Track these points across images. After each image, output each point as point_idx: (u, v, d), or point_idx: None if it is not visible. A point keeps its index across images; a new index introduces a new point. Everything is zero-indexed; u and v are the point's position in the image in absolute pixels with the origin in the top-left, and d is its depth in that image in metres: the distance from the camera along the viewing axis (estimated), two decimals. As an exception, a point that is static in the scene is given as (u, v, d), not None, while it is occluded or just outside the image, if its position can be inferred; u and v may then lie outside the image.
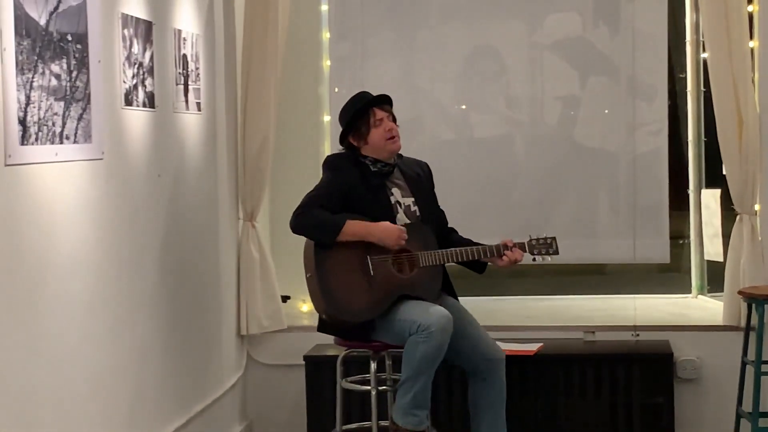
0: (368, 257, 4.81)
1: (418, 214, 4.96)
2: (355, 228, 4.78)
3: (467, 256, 4.93)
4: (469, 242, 5.03)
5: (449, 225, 5.14)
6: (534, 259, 5.01)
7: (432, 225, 4.99)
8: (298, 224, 4.80)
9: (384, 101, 4.96)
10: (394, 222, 4.88)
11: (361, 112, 4.90)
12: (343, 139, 4.97)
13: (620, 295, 6.62)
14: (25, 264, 3.52)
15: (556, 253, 5.01)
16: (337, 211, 4.81)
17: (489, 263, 5.02)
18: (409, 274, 4.87)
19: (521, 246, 4.96)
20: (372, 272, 4.81)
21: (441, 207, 5.13)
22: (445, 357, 4.82)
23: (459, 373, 5.16)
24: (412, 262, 4.86)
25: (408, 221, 4.92)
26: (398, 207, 4.93)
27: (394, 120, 4.95)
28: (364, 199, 4.85)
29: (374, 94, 4.97)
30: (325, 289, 4.80)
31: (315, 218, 4.77)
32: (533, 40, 6.56)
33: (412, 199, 4.97)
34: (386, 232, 4.79)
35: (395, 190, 4.95)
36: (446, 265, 4.98)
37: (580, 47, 6.51)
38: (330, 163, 4.96)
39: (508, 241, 4.94)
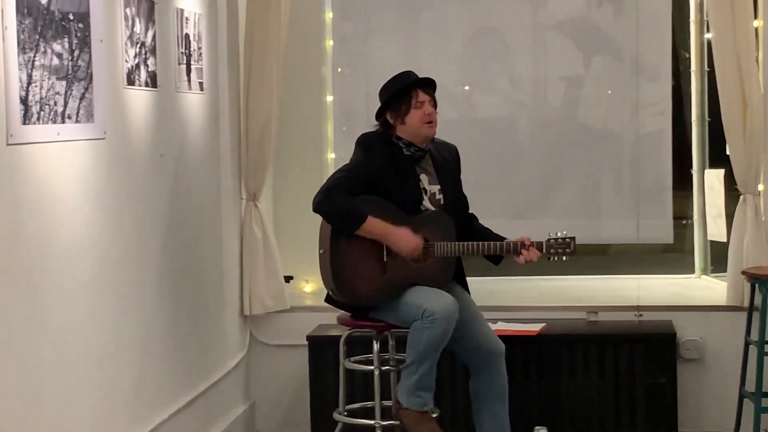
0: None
1: (442, 202, 4.95)
2: (374, 227, 4.76)
3: (484, 251, 4.90)
4: (488, 232, 5.01)
5: (470, 212, 5.13)
6: (549, 259, 4.97)
7: (454, 213, 4.96)
8: (321, 207, 4.77)
9: (429, 84, 4.91)
10: (419, 208, 4.87)
11: (405, 91, 4.86)
12: (380, 114, 4.92)
13: (623, 275, 6.61)
14: (27, 244, 3.52)
15: (573, 253, 4.98)
16: (363, 193, 4.78)
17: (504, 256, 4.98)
18: (422, 262, 4.86)
19: (539, 246, 4.92)
20: (386, 258, 4.80)
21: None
22: (448, 348, 4.83)
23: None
24: (427, 250, 4.86)
25: (431, 208, 4.92)
26: (424, 193, 4.92)
27: (435, 106, 4.90)
28: (393, 183, 4.83)
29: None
30: (336, 270, 4.80)
31: (339, 206, 4.74)
32: (537, 20, 6.53)
33: (438, 187, 4.94)
34: (403, 239, 4.77)
35: (423, 176, 4.93)
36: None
37: (583, 27, 6.49)
38: (363, 142, 4.91)
39: (525, 239, 4.91)
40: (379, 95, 4.93)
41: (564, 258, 4.98)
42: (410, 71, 4.94)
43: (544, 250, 4.94)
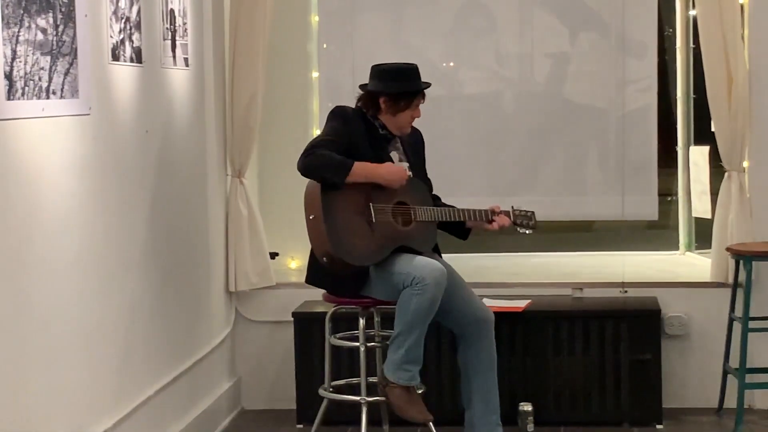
0: (371, 204, 4.82)
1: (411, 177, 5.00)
2: (363, 168, 4.79)
3: (460, 217, 5.00)
4: (453, 208, 5.07)
5: (433, 193, 5.17)
6: (517, 229, 5.09)
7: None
8: (308, 165, 4.75)
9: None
10: None
11: (413, 94, 4.89)
12: (372, 94, 4.91)
13: (608, 251, 6.63)
14: (12, 221, 3.50)
15: (535, 227, 5.10)
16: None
17: (472, 229, 5.08)
18: (405, 226, 4.89)
19: (507, 213, 5.05)
20: (374, 219, 4.82)
21: (429, 174, 5.16)
22: (436, 319, 4.84)
23: (449, 331, 5.18)
24: (408, 215, 4.89)
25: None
26: None
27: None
28: (366, 156, 4.85)
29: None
30: (331, 229, 4.78)
31: (325, 158, 4.74)
32: (523, -4, 6.52)
33: (407, 164, 5.00)
34: (391, 172, 4.84)
35: (393, 154, 4.99)
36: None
37: (569, 3, 6.48)
38: (339, 112, 4.92)
39: (495, 207, 5.03)
40: (378, 74, 4.91)
41: (527, 231, 5.10)
42: (416, 66, 4.94)
43: (511, 218, 5.06)
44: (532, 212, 5.11)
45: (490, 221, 5.02)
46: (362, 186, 4.80)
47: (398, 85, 4.89)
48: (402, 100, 4.89)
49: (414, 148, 5.08)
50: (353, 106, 4.98)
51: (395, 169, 4.88)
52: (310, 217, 4.83)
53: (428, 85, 4.96)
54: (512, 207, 5.09)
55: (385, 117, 4.92)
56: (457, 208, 5.01)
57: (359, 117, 4.92)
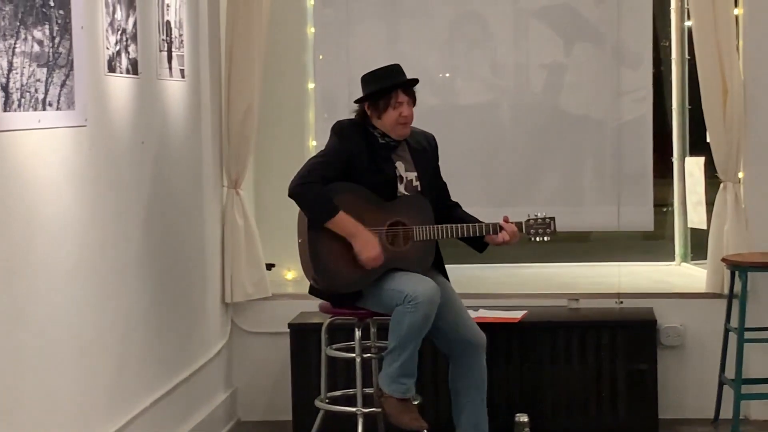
0: None
1: (419, 189, 4.95)
2: (344, 224, 4.75)
3: (462, 233, 4.92)
4: (471, 218, 5.01)
5: (453, 200, 5.14)
6: (530, 239, 5.00)
7: (433, 200, 4.97)
8: (297, 194, 4.77)
9: (411, 84, 4.90)
10: (394, 194, 4.87)
11: (386, 90, 4.85)
12: (361, 105, 4.92)
13: (604, 262, 6.63)
14: (8, 231, 3.50)
15: (554, 233, 5.01)
16: (339, 179, 4.79)
17: (489, 242, 5.00)
18: (402, 246, 4.87)
19: (518, 225, 4.96)
20: None
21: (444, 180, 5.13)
22: (429, 337, 4.83)
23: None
24: (406, 234, 4.86)
25: (407, 194, 4.92)
26: (400, 181, 4.92)
27: (414, 103, 4.89)
28: (368, 169, 4.83)
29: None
30: (316, 256, 4.80)
31: (314, 196, 4.74)
32: (518, 7, 6.53)
33: (415, 174, 4.95)
34: (367, 247, 4.76)
35: (400, 164, 4.93)
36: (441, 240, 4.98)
37: (565, 14, 6.49)
38: (338, 128, 4.91)
39: (505, 218, 4.96)
40: (362, 83, 4.93)
41: (545, 239, 5.01)
42: (397, 66, 4.92)
43: (524, 231, 4.97)
44: (552, 218, 4.99)
45: (497, 234, 4.93)
46: (353, 210, 4.78)
47: (373, 86, 4.87)
48: (380, 100, 4.85)
49: (423, 155, 5.00)
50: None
51: (373, 247, 4.75)
52: (299, 241, 4.86)
53: (410, 80, 4.87)
54: (528, 215, 4.99)
55: (376, 123, 4.88)
56: (459, 224, 4.91)
57: (358, 130, 4.90)
